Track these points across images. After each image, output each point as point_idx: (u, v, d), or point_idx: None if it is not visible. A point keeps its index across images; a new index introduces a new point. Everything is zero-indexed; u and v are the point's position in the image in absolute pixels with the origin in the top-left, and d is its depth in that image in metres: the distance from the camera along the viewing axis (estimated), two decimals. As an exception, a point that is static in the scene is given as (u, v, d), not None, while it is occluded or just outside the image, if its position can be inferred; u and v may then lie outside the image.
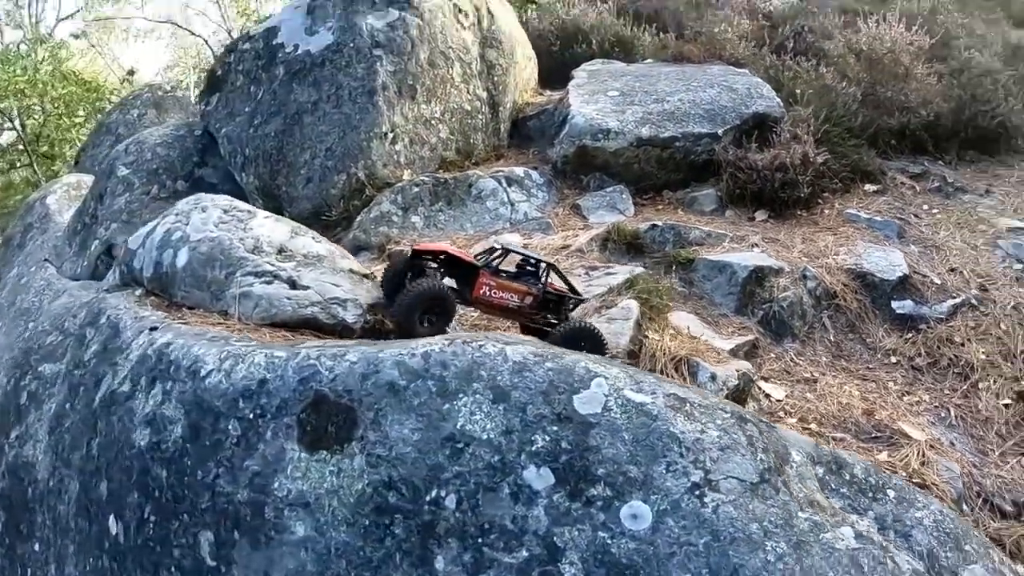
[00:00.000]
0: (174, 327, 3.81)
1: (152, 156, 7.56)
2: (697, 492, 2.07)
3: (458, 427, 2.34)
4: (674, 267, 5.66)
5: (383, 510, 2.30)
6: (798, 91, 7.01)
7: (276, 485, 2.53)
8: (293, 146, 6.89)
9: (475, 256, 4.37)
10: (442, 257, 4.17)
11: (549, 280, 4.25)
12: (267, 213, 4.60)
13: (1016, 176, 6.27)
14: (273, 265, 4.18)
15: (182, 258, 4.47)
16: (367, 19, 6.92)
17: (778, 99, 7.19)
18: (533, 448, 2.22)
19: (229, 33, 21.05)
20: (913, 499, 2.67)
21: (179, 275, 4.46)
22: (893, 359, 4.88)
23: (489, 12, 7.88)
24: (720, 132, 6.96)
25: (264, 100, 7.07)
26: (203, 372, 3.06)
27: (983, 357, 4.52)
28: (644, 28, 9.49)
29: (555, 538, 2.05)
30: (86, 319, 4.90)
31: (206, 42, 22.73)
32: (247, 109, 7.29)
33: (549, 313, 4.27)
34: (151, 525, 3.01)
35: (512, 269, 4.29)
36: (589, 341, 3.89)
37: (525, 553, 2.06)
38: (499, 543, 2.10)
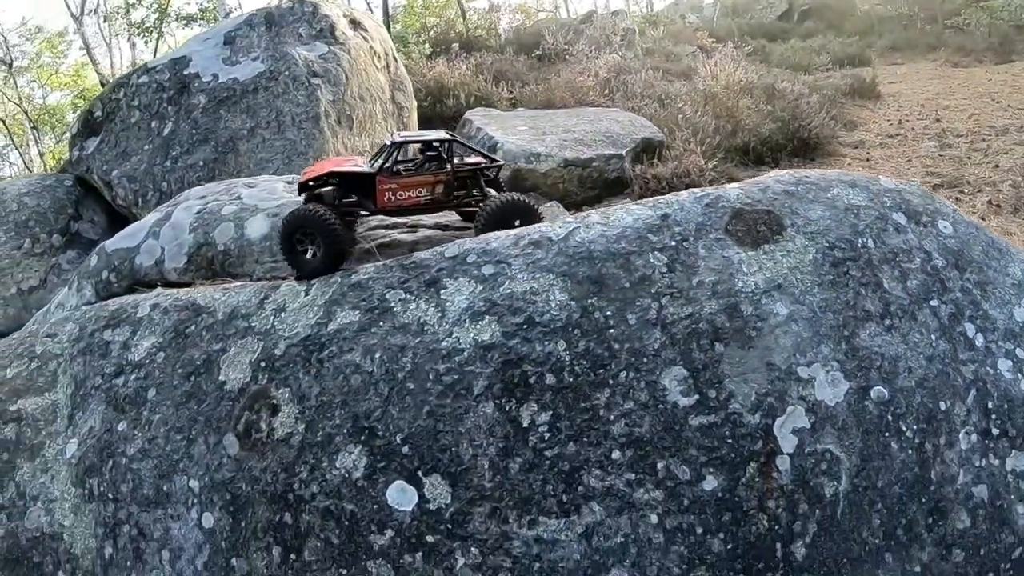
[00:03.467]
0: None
1: (19, 207, 6.19)
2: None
3: (847, 202, 3.26)
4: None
5: (837, 262, 3.03)
6: (679, 118, 8.35)
7: (740, 284, 2.90)
8: (227, 175, 6.22)
9: (370, 160, 3.82)
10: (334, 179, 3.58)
11: (456, 157, 3.70)
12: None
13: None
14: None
15: (258, 227, 3.93)
16: (298, 49, 6.71)
17: (656, 127, 8.48)
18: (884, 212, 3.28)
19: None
20: None
21: (256, 247, 3.89)
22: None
23: (394, 58, 8.12)
24: (623, 153, 7.96)
25: (182, 131, 6.33)
26: (556, 237, 3.04)
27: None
28: (499, 85, 10.46)
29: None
30: (100, 324, 3.83)
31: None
32: (148, 146, 6.44)
33: (469, 190, 3.69)
34: (544, 428, 2.66)
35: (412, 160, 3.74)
36: (522, 215, 3.44)
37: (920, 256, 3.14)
38: (903, 258, 3.10)
